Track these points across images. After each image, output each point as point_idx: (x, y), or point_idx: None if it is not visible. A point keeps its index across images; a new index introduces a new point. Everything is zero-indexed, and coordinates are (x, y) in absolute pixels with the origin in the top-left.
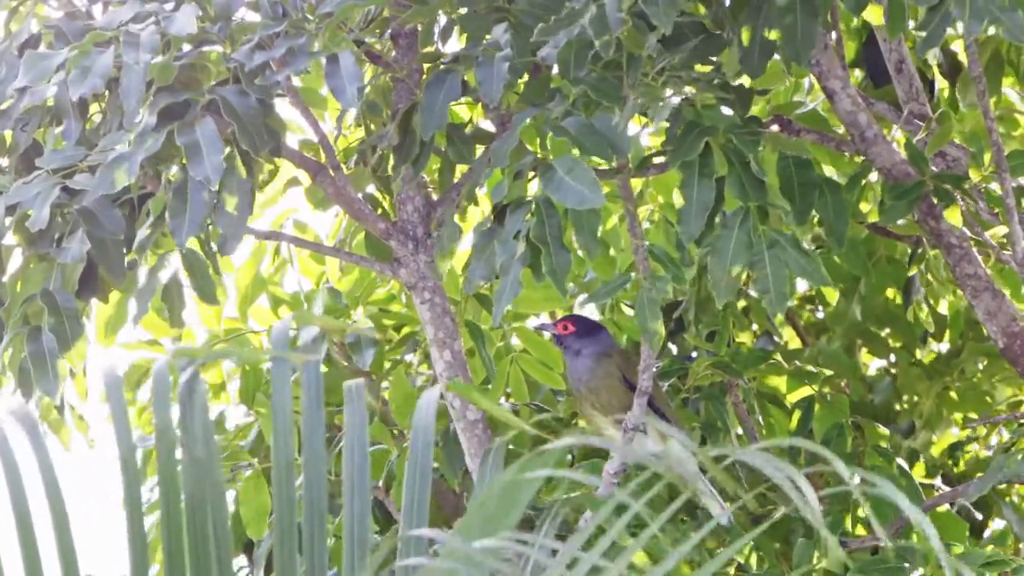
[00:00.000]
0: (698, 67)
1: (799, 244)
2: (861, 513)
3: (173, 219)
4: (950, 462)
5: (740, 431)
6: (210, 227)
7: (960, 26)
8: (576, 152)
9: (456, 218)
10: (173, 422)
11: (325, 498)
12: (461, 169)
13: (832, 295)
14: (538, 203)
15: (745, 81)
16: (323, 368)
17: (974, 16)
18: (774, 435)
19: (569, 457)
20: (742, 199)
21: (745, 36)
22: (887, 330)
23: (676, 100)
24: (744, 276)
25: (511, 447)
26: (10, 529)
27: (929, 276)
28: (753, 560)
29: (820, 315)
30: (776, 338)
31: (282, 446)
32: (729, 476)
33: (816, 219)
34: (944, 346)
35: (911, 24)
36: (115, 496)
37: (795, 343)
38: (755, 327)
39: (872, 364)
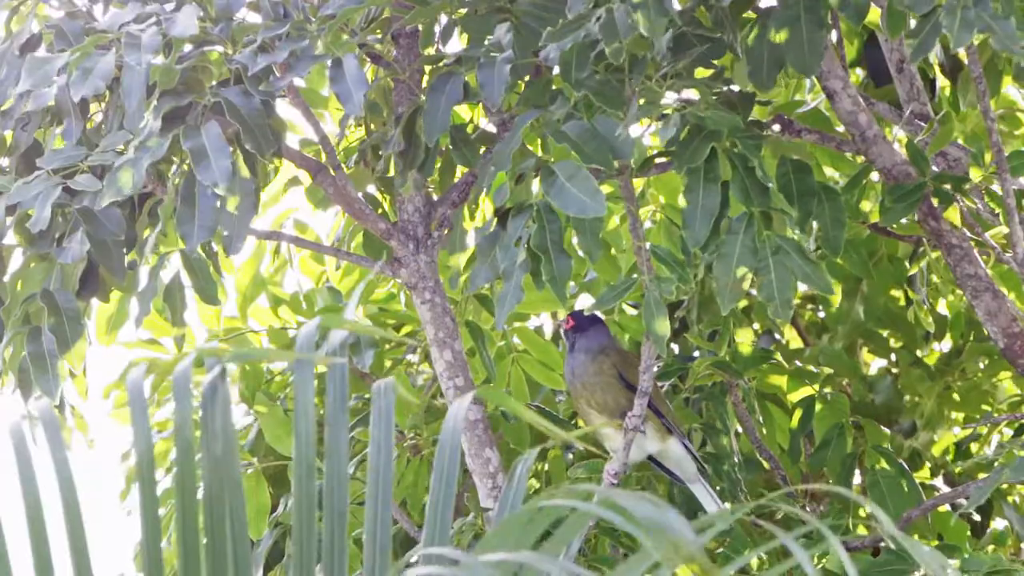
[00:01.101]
0: (700, 71)
1: (803, 250)
2: (862, 513)
3: (182, 225)
4: (951, 462)
5: (740, 430)
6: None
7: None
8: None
9: (462, 222)
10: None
11: (347, 499)
12: (461, 169)
13: (834, 296)
14: (539, 209)
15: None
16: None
17: (964, 27)
18: (774, 435)
19: (569, 456)
20: (746, 204)
21: (750, 40)
22: (888, 330)
23: (678, 104)
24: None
25: (512, 446)
26: (20, 527)
27: (932, 276)
28: (754, 561)
29: (821, 315)
30: (778, 337)
31: (304, 447)
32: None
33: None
34: (945, 346)
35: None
36: (113, 494)
37: (796, 343)
38: (756, 326)
39: (873, 364)
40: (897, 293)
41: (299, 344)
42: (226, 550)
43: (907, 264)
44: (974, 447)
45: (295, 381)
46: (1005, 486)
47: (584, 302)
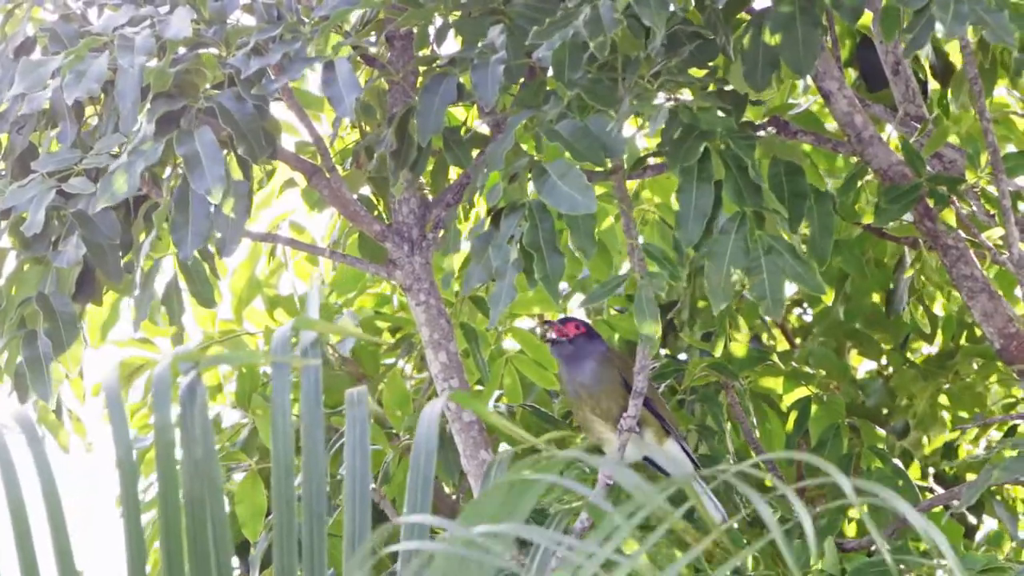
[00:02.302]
0: (693, 71)
1: (795, 250)
2: (857, 514)
3: (176, 232)
4: (944, 463)
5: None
6: None
7: (942, 28)
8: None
9: (456, 223)
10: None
11: (325, 500)
12: (456, 171)
13: (827, 296)
14: (531, 208)
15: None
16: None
17: (956, 19)
18: (770, 437)
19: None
20: (739, 204)
21: (745, 41)
22: (876, 332)
23: (671, 103)
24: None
25: (507, 446)
26: (7, 531)
27: (923, 278)
28: (749, 561)
29: (808, 318)
30: (765, 340)
31: (282, 449)
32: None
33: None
34: (937, 348)
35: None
36: (111, 496)
37: (783, 346)
38: (744, 329)
39: (861, 367)
40: (880, 297)
41: (274, 346)
42: (208, 552)
43: (892, 271)
44: (966, 447)
45: (272, 383)
46: (996, 486)
47: (581, 305)
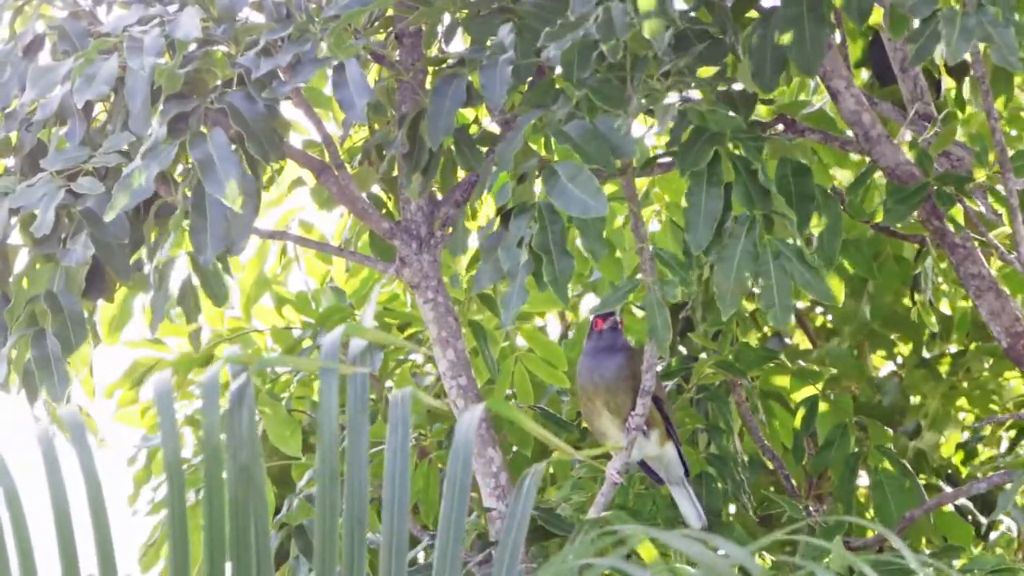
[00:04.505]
0: (702, 71)
1: (803, 256)
2: (867, 515)
3: (195, 236)
4: (960, 463)
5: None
6: None
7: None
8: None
9: (464, 222)
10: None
11: (367, 507)
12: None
13: (840, 298)
14: (541, 209)
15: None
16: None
17: (962, 36)
18: (777, 435)
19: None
20: (748, 208)
21: (754, 40)
22: (894, 332)
23: (680, 103)
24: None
25: (516, 449)
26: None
27: (938, 278)
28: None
29: (831, 317)
30: (786, 340)
31: (328, 456)
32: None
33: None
34: (951, 348)
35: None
36: (115, 495)
37: (806, 346)
38: (766, 329)
39: (884, 368)
40: (903, 293)
41: (324, 352)
42: (250, 558)
43: (913, 264)
44: (982, 448)
45: (320, 390)
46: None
47: (590, 302)
